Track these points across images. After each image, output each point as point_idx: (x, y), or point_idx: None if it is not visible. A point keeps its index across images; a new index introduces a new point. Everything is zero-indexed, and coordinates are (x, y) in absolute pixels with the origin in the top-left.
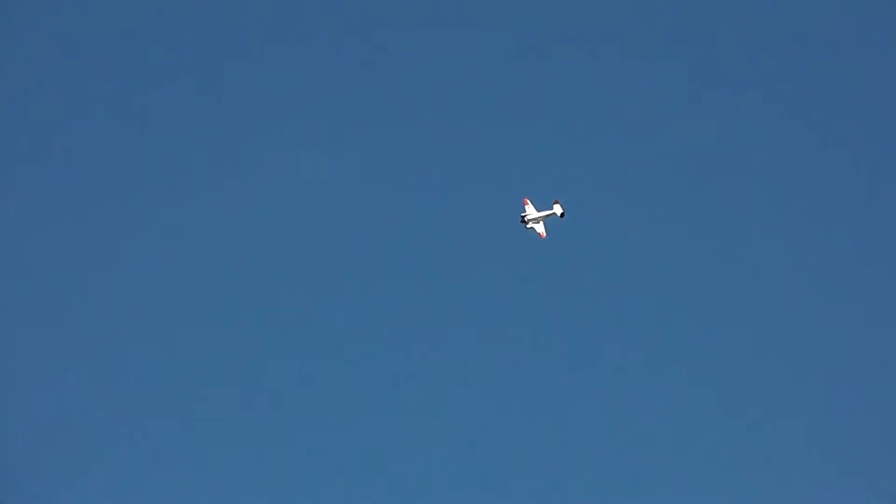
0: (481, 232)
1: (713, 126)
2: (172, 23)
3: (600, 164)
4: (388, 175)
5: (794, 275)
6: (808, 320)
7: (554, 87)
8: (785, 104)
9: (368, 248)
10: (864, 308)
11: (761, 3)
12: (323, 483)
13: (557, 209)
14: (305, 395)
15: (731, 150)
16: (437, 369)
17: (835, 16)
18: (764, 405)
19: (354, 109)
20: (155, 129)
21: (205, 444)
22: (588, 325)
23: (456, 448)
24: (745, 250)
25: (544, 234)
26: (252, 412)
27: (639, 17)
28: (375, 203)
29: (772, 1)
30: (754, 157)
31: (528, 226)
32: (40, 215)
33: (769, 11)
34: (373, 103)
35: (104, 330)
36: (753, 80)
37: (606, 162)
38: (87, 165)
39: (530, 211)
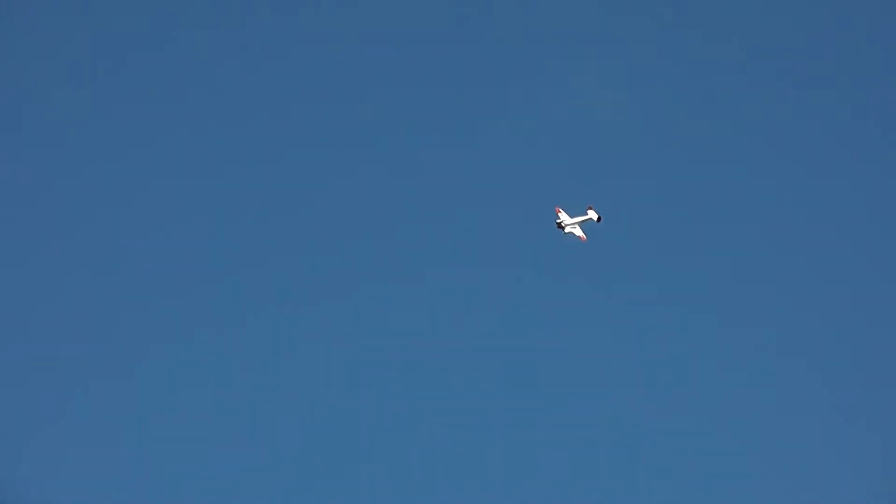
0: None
1: (726, 125)
2: None
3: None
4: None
5: (796, 275)
6: (810, 319)
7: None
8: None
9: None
10: (867, 308)
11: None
12: (323, 483)
13: (593, 214)
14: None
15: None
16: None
17: (836, 15)
18: (764, 405)
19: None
20: None
21: (204, 444)
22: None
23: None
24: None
25: (584, 237)
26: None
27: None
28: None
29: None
30: (761, 156)
31: (566, 230)
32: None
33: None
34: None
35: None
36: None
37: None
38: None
39: (564, 217)
